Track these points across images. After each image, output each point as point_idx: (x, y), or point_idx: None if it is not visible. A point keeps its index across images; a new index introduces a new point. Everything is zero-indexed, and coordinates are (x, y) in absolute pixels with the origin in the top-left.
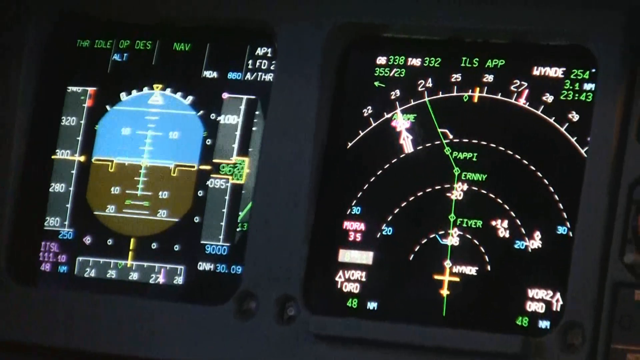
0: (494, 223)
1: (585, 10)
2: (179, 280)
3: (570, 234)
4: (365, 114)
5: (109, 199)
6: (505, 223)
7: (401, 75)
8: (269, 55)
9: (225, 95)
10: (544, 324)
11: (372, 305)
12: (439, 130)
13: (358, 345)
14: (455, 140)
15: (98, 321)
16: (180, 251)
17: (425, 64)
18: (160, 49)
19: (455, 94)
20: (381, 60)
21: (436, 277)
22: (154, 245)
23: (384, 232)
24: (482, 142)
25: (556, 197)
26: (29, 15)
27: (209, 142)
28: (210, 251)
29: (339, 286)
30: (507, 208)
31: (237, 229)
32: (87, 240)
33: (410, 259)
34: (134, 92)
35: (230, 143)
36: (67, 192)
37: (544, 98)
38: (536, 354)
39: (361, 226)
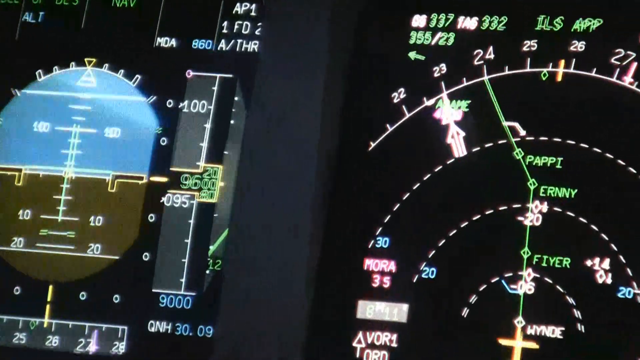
0: (588, 262)
1: None
2: (120, 348)
3: None
4: (395, 101)
5: (16, 228)
6: (606, 262)
7: (448, 44)
8: (252, 14)
9: (189, 74)
10: None
11: None
12: (505, 124)
13: None
14: (529, 139)
15: None
16: (121, 304)
17: (483, 27)
18: (92, 5)
19: (528, 70)
20: (419, 20)
21: (503, 342)
22: (83, 296)
23: (424, 275)
24: (569, 141)
25: None
26: None
27: (164, 141)
28: (166, 304)
29: (358, 354)
30: (607, 239)
31: (207, 271)
32: None
33: (464, 314)
34: (56, 70)
35: (196, 143)
36: None
37: None
38: None
39: (390, 266)
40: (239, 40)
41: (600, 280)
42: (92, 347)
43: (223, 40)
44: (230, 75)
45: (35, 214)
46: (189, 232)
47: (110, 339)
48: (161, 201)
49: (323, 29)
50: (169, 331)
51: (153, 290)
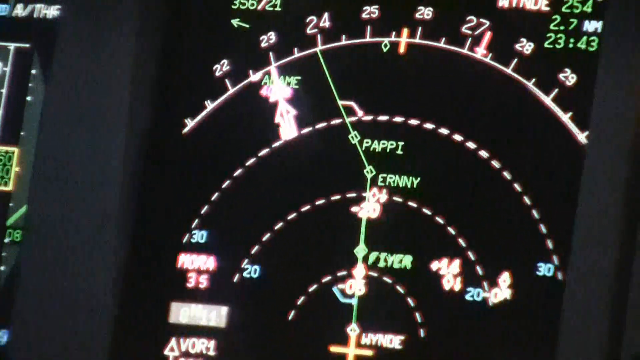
0: (431, 259)
1: None
2: None
3: (559, 276)
4: (217, 74)
5: None
6: (453, 261)
7: (277, 9)
8: None
9: None
10: None
11: None
12: (340, 103)
13: None
14: (366, 120)
15: None
16: None
17: None
18: None
19: (368, 39)
20: None
21: (334, 349)
22: None
23: (246, 274)
24: (412, 122)
25: (535, 215)
26: None
27: None
28: None
29: None
30: (454, 233)
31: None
32: None
33: (291, 318)
34: None
35: None
36: None
37: (517, 46)
38: None
39: (208, 263)
40: (37, 5)
41: (444, 280)
42: None
43: (19, 5)
44: (27, 45)
45: None
46: None
47: None
48: None
49: None
50: None
51: None
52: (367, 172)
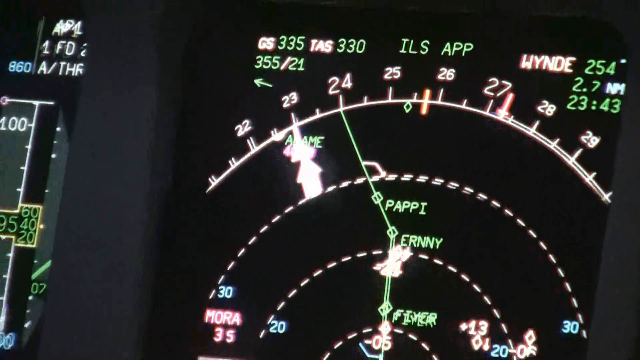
0: (456, 317)
1: None
2: None
3: (584, 334)
4: (239, 134)
5: None
6: (476, 317)
7: (299, 68)
8: (76, 33)
9: (4, 101)
10: None
11: None
12: (363, 163)
13: None
14: (389, 180)
15: None
16: None
17: (339, 49)
18: None
19: (390, 100)
20: (266, 42)
21: None
22: None
23: (272, 329)
24: (435, 182)
25: (561, 273)
26: None
27: None
28: None
29: None
30: (480, 292)
31: (24, 326)
32: None
33: None
34: None
35: (12, 180)
36: None
37: (539, 108)
38: None
39: (235, 318)
40: (62, 63)
41: (471, 336)
42: None
43: (44, 63)
44: (52, 103)
45: None
46: (6, 281)
47: None
48: None
49: (152, 47)
50: None
51: None
52: (390, 232)
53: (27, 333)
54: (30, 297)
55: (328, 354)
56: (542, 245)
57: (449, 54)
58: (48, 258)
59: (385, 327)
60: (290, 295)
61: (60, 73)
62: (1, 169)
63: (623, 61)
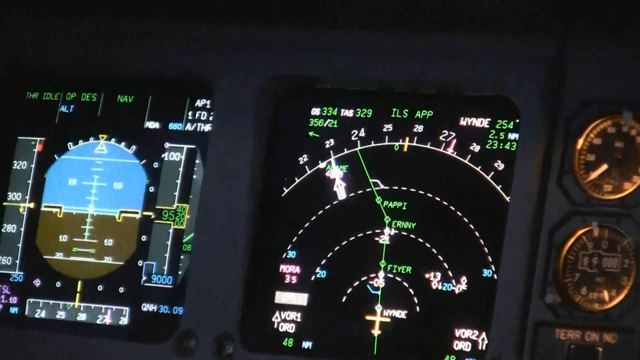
0: (422, 268)
1: (508, 64)
2: (124, 320)
3: (495, 277)
4: (300, 162)
5: (57, 245)
6: (434, 268)
7: (334, 126)
8: (207, 107)
9: (166, 145)
10: None
11: (307, 344)
12: (370, 180)
13: None
14: (385, 189)
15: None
16: (124, 293)
17: (357, 115)
18: (105, 101)
19: (386, 143)
20: (315, 111)
21: (368, 317)
22: (100, 288)
23: (318, 275)
24: (412, 190)
25: (481, 242)
26: None
27: (151, 189)
28: (153, 292)
29: (275, 326)
30: (436, 253)
31: (179, 272)
32: (37, 282)
33: (343, 300)
34: (81, 142)
35: (171, 190)
36: (18, 235)
37: (470, 147)
38: None
39: (296, 269)
40: (199, 124)
41: (430, 279)
42: (107, 320)
43: (188, 123)
44: (193, 146)
45: (69, 237)
46: (167, 248)
47: (118, 316)
48: (150, 228)
49: (251, 117)
50: (154, 310)
51: (145, 284)
52: (386, 219)
53: (180, 277)
54: (181, 256)
55: (349, 290)
56: (471, 225)
57: (419, 117)
58: (191, 232)
59: (382, 274)
60: (328, 255)
61: (198, 130)
62: (166, 184)
63: (517, 120)
